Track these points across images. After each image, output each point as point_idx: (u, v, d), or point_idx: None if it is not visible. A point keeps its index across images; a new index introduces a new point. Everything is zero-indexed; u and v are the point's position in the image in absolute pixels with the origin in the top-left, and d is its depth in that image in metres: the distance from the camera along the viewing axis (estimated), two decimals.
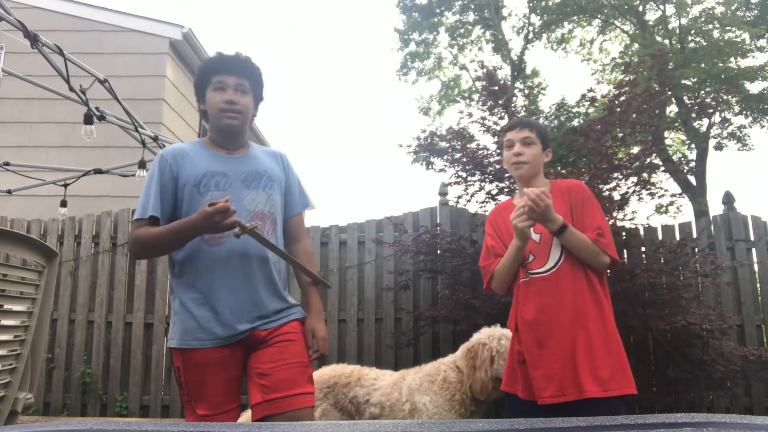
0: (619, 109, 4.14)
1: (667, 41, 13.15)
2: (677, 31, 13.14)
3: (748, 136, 12.18)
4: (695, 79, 11.40)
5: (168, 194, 1.77)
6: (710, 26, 12.68)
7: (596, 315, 1.88)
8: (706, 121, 12.11)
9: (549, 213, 1.85)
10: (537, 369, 1.88)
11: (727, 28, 12.08)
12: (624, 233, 4.30)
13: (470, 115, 4.52)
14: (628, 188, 4.13)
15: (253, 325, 1.74)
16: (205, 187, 1.76)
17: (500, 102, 4.37)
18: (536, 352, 1.90)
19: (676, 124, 12.10)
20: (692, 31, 12.88)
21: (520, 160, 2.04)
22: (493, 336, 2.61)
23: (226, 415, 1.74)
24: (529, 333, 1.93)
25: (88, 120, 3.60)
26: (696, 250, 4.55)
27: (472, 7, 17.10)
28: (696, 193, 11.57)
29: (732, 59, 11.74)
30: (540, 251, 1.96)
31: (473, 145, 4.40)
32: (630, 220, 4.23)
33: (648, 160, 4.29)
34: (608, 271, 2.03)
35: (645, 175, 4.16)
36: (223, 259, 1.73)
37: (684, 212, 13.81)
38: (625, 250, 4.41)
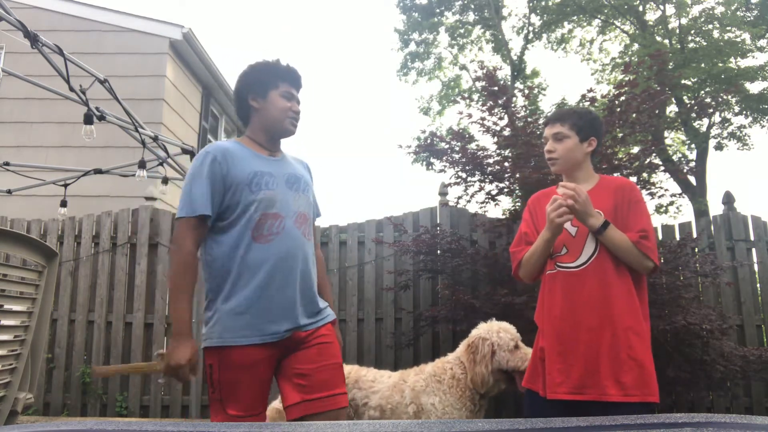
0: (619, 109, 4.14)
1: (667, 41, 13.14)
2: (677, 31, 13.12)
3: (748, 136, 12.17)
4: (695, 79, 11.39)
5: (217, 192, 1.77)
6: (710, 26, 12.67)
7: (626, 317, 1.82)
8: (706, 121, 12.10)
9: (589, 208, 1.83)
10: (555, 363, 1.85)
11: (727, 28, 12.07)
12: None
13: (470, 115, 4.52)
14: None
15: (297, 325, 1.78)
16: (257, 186, 1.79)
17: (500, 102, 4.37)
18: (558, 347, 1.86)
19: (676, 124, 12.09)
20: (692, 31, 12.87)
21: (552, 156, 2.02)
22: (492, 330, 2.63)
23: (256, 417, 1.74)
24: (553, 328, 1.90)
25: (88, 120, 3.60)
26: (696, 250, 4.55)
27: (472, 7, 17.09)
28: (696, 193, 11.56)
29: (732, 59, 11.73)
30: (574, 245, 1.92)
31: (473, 146, 4.40)
32: None
33: (648, 160, 4.29)
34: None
35: (645, 175, 4.16)
36: (269, 257, 1.75)
37: (684, 212, 13.82)
38: None
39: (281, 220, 1.79)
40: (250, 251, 1.75)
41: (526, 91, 5.30)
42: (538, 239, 1.96)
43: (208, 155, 1.80)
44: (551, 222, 1.85)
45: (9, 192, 5.32)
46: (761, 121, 12.12)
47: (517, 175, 4.04)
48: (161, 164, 4.92)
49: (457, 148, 4.38)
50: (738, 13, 12.42)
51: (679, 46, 12.47)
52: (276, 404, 2.82)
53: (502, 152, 4.41)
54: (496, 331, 2.61)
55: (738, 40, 11.86)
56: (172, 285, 1.74)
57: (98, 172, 5.00)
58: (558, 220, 1.83)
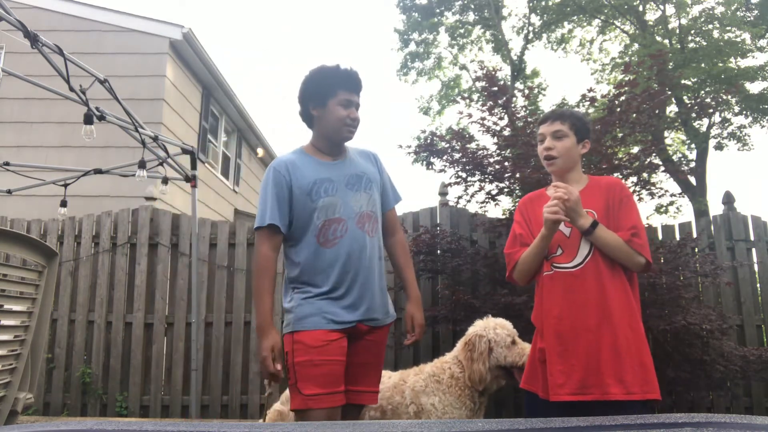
0: (618, 109, 4.14)
1: (667, 41, 13.14)
2: (677, 31, 13.12)
3: (748, 136, 12.18)
4: (695, 79, 11.40)
5: (284, 203, 1.94)
6: (710, 26, 12.67)
7: (624, 315, 1.83)
8: (706, 121, 12.10)
9: (578, 208, 1.84)
10: (556, 365, 1.84)
11: (727, 28, 12.07)
12: None
13: (470, 115, 4.52)
14: (628, 188, 4.13)
15: (359, 318, 1.93)
16: (317, 194, 1.94)
17: (500, 102, 4.37)
18: (558, 348, 1.85)
19: (676, 124, 12.09)
20: (692, 31, 12.87)
21: (551, 154, 1.99)
22: (488, 327, 2.63)
23: (334, 395, 1.84)
24: (552, 328, 1.89)
25: (88, 120, 3.59)
26: (696, 250, 4.54)
27: (472, 7, 17.09)
28: (696, 193, 11.56)
29: (732, 59, 11.73)
30: (569, 245, 1.92)
31: (473, 146, 4.40)
32: None
33: (648, 160, 4.29)
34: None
35: (645, 175, 4.16)
36: (335, 260, 1.92)
37: (684, 212, 13.82)
38: None
39: (343, 223, 1.93)
40: (318, 256, 1.92)
41: (526, 91, 5.30)
42: (536, 239, 1.95)
43: (273, 170, 1.98)
44: (545, 219, 1.86)
45: (9, 192, 5.32)
46: (761, 121, 12.13)
47: (517, 175, 4.04)
48: (161, 164, 4.92)
49: (457, 148, 4.38)
50: (738, 13, 12.42)
51: (679, 46, 12.47)
52: (277, 406, 2.83)
53: (502, 152, 4.41)
54: (492, 328, 2.62)
55: (738, 40, 11.87)
56: (254, 287, 1.93)
57: (98, 172, 5.00)
58: (550, 217, 1.84)
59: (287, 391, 2.67)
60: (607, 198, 1.95)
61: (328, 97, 1.96)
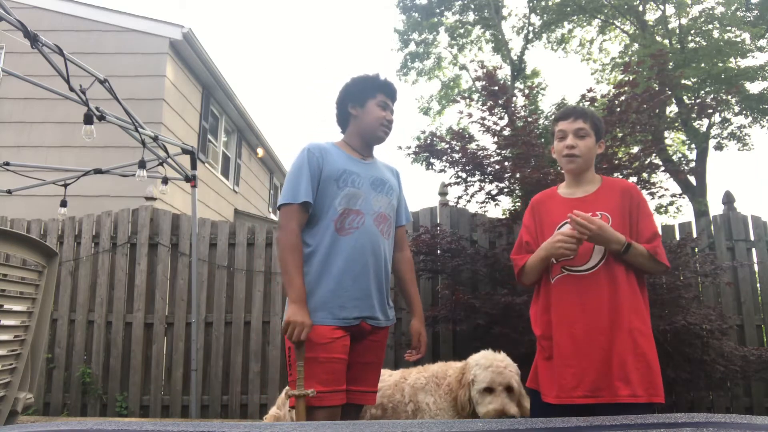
0: (619, 109, 4.14)
1: (667, 41, 13.14)
2: (677, 31, 13.12)
3: (748, 136, 12.18)
4: (695, 79, 11.39)
5: (315, 183, 1.97)
6: (710, 26, 12.67)
7: (635, 318, 1.82)
8: (706, 121, 12.10)
9: (605, 233, 1.80)
10: (569, 367, 1.82)
11: (727, 28, 12.07)
12: None
13: (470, 115, 4.52)
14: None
15: (365, 315, 1.95)
16: (344, 182, 1.98)
17: (500, 102, 4.37)
18: (571, 350, 1.83)
19: (676, 124, 12.08)
20: (692, 31, 12.87)
21: (573, 153, 1.94)
22: (478, 364, 2.34)
23: (336, 394, 1.85)
24: (564, 331, 1.86)
25: (88, 120, 3.59)
26: (696, 250, 4.54)
27: (472, 7, 17.09)
28: (696, 193, 11.56)
29: (732, 59, 11.73)
30: (583, 248, 1.88)
31: (473, 146, 4.40)
32: None
33: (648, 160, 4.30)
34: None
35: (645, 175, 4.16)
36: (347, 249, 1.93)
37: (684, 212, 13.83)
38: None
39: (362, 216, 1.97)
40: (333, 242, 1.94)
41: (526, 91, 5.30)
42: (536, 253, 1.95)
43: (308, 150, 2.01)
44: (554, 246, 1.85)
45: (9, 192, 5.32)
46: (761, 121, 12.12)
47: (517, 175, 4.04)
48: (161, 164, 4.92)
49: (457, 148, 4.38)
50: (738, 13, 12.41)
51: (679, 46, 12.47)
52: (273, 411, 2.82)
53: (502, 152, 4.41)
54: (484, 366, 2.31)
55: (738, 40, 11.87)
56: (283, 264, 1.91)
57: (98, 172, 5.00)
58: (561, 251, 1.84)
59: (282, 395, 2.67)
60: (623, 201, 1.93)
61: (368, 97, 2.06)
